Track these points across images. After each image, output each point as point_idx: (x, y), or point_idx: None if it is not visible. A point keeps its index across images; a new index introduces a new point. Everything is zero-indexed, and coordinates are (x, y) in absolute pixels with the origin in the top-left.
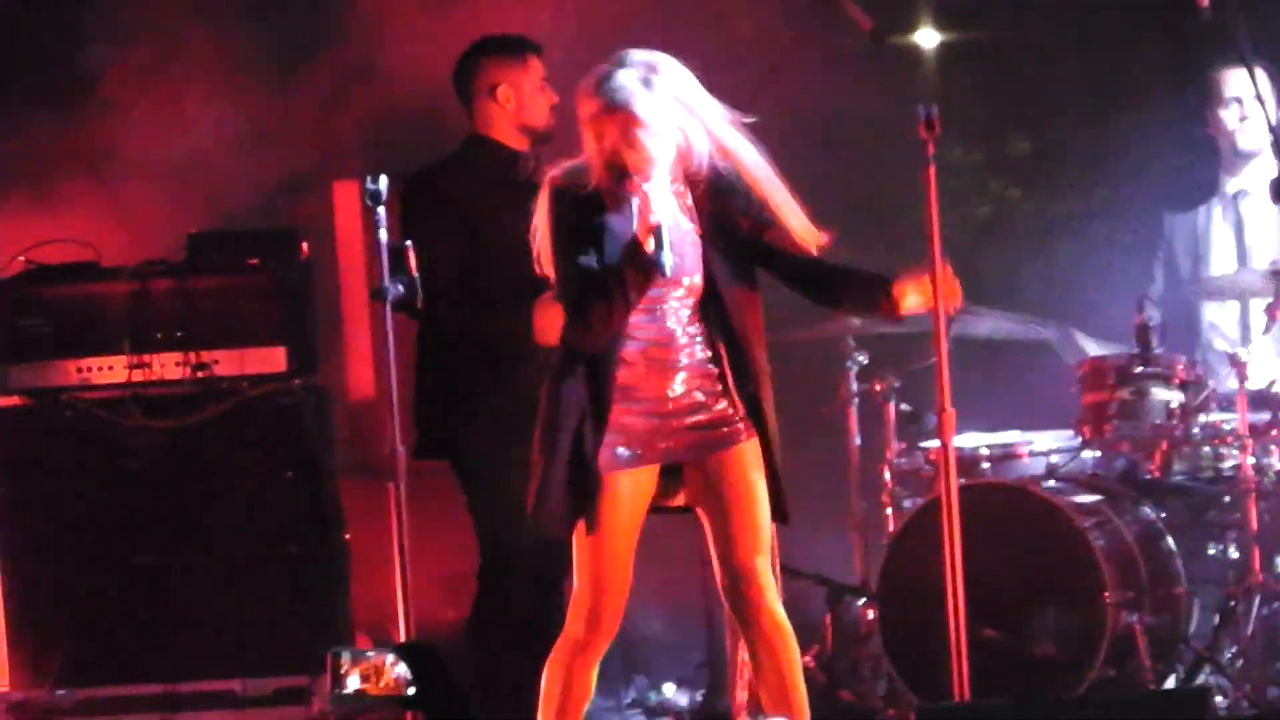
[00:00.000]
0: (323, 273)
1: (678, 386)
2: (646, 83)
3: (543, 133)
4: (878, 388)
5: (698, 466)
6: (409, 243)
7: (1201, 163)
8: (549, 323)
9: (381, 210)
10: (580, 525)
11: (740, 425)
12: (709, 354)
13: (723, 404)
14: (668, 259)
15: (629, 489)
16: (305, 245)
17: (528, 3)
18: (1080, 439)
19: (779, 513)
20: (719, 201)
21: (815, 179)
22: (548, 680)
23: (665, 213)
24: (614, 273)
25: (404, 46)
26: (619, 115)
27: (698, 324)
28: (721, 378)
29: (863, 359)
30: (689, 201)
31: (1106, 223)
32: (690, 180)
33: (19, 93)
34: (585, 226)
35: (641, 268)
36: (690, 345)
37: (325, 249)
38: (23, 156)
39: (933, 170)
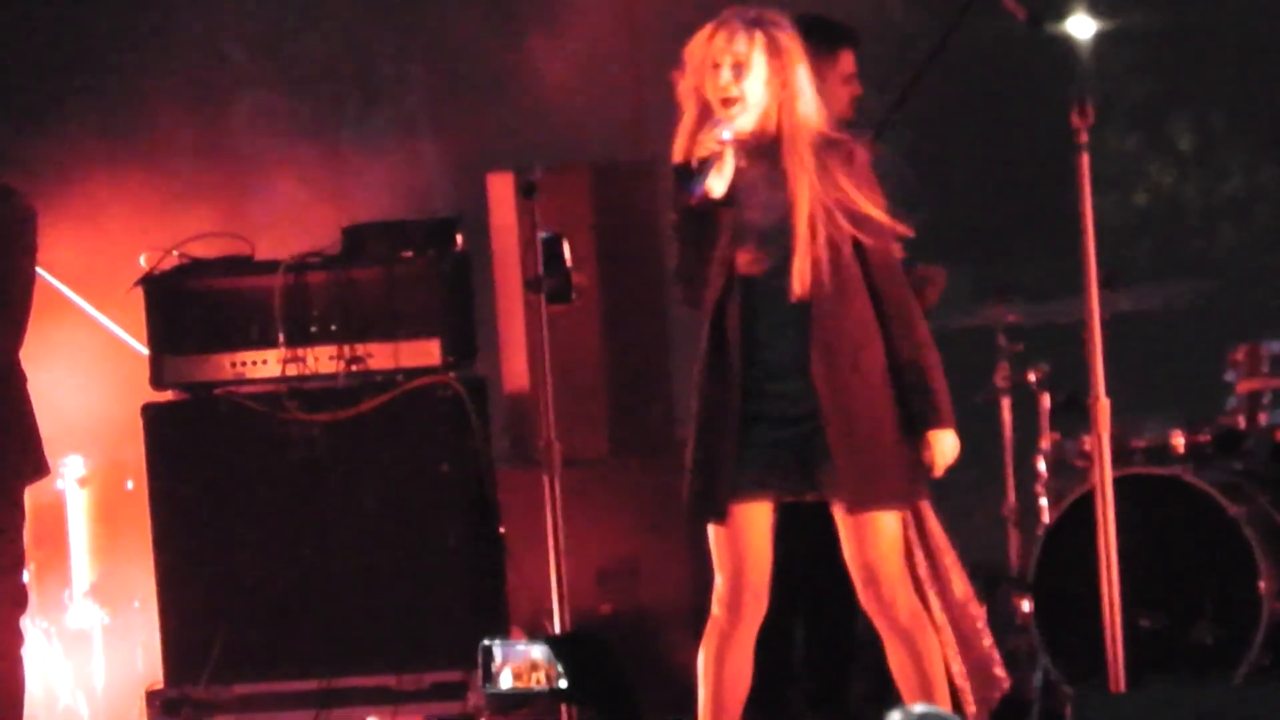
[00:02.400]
0: (478, 264)
1: (791, 376)
2: (765, 41)
3: (844, 125)
4: (1031, 377)
5: (823, 460)
6: (562, 235)
7: None
8: None
9: (535, 201)
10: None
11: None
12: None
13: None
14: (702, 181)
15: (755, 480)
16: (460, 236)
17: None
18: (1235, 427)
19: (893, 498)
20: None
21: (974, 162)
22: (701, 668)
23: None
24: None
25: (556, 40)
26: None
27: (795, 309)
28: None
29: (1017, 347)
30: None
31: (1272, 204)
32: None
33: (167, 90)
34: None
35: (682, 182)
36: (793, 331)
37: (479, 240)
38: (176, 150)
39: (1085, 157)
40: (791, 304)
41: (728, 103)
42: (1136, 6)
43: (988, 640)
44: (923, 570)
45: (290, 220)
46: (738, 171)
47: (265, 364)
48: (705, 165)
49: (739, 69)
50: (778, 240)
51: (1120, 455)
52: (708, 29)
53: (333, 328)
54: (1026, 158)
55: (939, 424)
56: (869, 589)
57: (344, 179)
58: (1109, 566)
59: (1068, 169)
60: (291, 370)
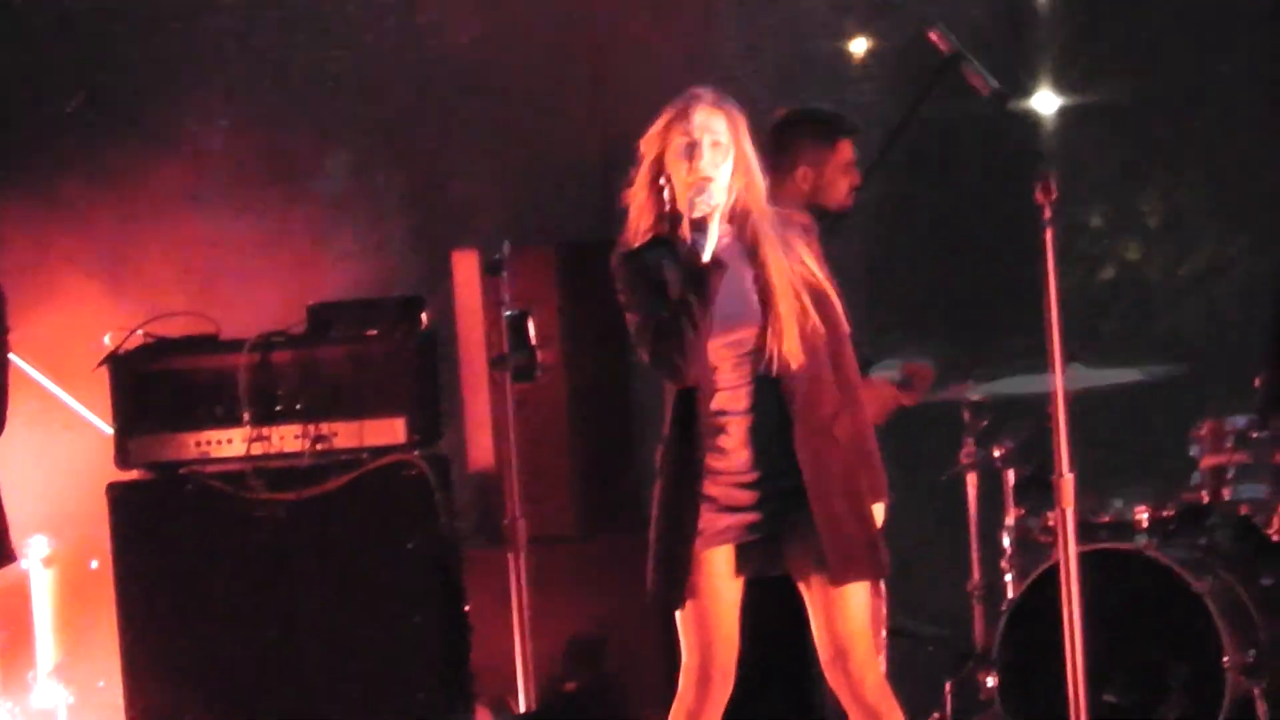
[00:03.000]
0: (442, 341)
1: (760, 453)
2: (731, 121)
3: (840, 213)
4: (996, 453)
5: (792, 537)
6: (528, 312)
7: None
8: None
9: (503, 279)
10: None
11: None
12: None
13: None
14: (707, 242)
15: (724, 560)
16: (425, 315)
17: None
18: (1199, 502)
19: (873, 568)
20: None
21: (939, 240)
22: None
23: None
24: (684, 281)
25: (522, 118)
26: (698, 143)
27: (767, 385)
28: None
29: (981, 424)
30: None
31: (1235, 282)
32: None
33: (134, 164)
34: (651, 275)
35: (686, 259)
36: (763, 407)
37: (445, 318)
38: (141, 227)
39: (1050, 233)
40: (765, 378)
41: (704, 181)
42: (1101, 82)
43: None
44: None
45: (255, 299)
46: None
47: (230, 443)
48: (701, 225)
49: (716, 148)
50: (747, 315)
51: (1085, 531)
52: (679, 107)
53: (298, 406)
54: (993, 234)
55: (882, 498)
56: (838, 663)
57: (310, 257)
58: (1074, 642)
59: (1034, 245)
60: (256, 449)
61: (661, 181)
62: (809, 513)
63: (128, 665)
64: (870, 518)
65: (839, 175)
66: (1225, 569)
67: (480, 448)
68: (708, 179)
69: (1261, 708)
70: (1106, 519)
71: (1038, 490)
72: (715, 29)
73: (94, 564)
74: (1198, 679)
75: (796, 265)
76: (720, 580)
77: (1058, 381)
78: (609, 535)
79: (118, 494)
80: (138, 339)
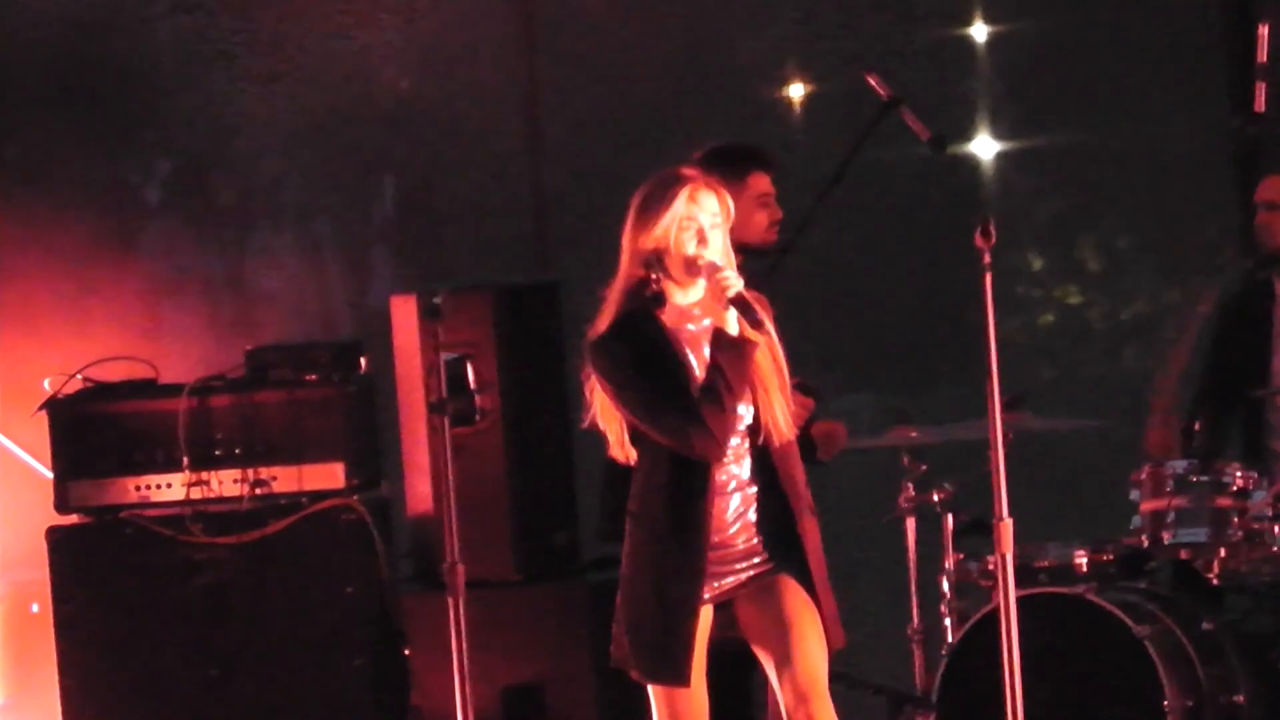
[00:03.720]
0: (381, 387)
1: (728, 517)
2: (722, 200)
3: (762, 249)
4: (936, 498)
5: (749, 597)
6: (466, 357)
7: (1261, 265)
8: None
9: (440, 324)
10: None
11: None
12: (750, 481)
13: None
14: (732, 318)
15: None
16: (364, 359)
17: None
18: (1139, 547)
19: (840, 639)
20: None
21: (878, 284)
22: None
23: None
24: (713, 370)
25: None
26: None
27: (744, 453)
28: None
29: (921, 468)
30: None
31: (1174, 328)
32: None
33: (72, 207)
34: (658, 351)
35: (733, 347)
36: (737, 472)
37: (384, 363)
38: (80, 272)
39: (989, 278)
40: (757, 451)
41: (713, 267)
42: (1041, 128)
43: None
44: None
45: (193, 344)
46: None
47: (169, 487)
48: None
49: (715, 231)
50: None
51: (1024, 575)
52: (676, 190)
53: (237, 451)
54: (932, 279)
55: None
56: (801, 708)
57: (248, 302)
58: (1013, 686)
59: (973, 290)
60: (196, 493)
61: (653, 274)
62: (761, 576)
63: (68, 707)
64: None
65: (754, 209)
66: (1165, 613)
67: (419, 492)
68: (717, 266)
69: None
70: (1046, 563)
71: (977, 535)
72: (652, 75)
73: (34, 607)
74: None
75: (768, 340)
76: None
77: (996, 426)
78: (549, 580)
79: (57, 538)
80: (77, 384)
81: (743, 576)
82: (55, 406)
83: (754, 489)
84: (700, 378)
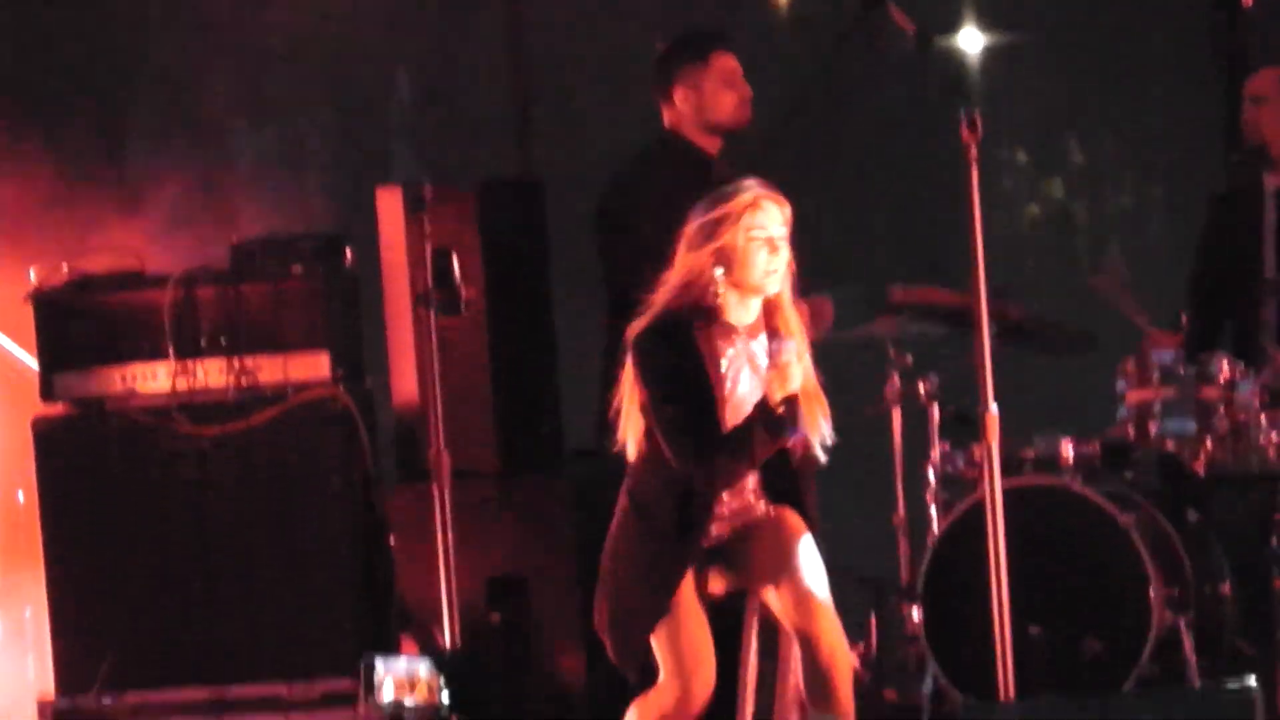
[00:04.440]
0: (367, 277)
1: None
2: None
3: (735, 128)
4: (922, 389)
5: (742, 539)
6: (451, 249)
7: (1248, 160)
8: None
9: (425, 217)
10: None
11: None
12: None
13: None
14: (795, 422)
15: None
16: (349, 251)
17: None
18: (1125, 438)
19: None
20: None
21: (863, 181)
22: None
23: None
24: (744, 431)
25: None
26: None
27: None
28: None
29: (906, 360)
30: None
31: (1159, 221)
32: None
33: (60, 102)
34: (694, 366)
35: (774, 430)
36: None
37: (369, 256)
38: (66, 165)
39: (975, 171)
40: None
41: (771, 275)
42: (1026, 21)
43: None
44: None
45: (180, 235)
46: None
47: (155, 378)
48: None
49: (784, 243)
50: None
51: (1010, 466)
52: (752, 198)
53: (222, 342)
54: (917, 173)
55: None
56: (799, 590)
57: (234, 195)
58: (998, 576)
59: (958, 184)
60: (181, 384)
61: (718, 273)
62: (756, 526)
63: (54, 596)
64: None
65: (719, 89)
66: (1151, 504)
67: (404, 384)
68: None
69: (1187, 641)
70: (1032, 454)
71: (963, 425)
72: None
73: (20, 496)
74: (1123, 614)
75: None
76: (687, 589)
77: (982, 318)
78: (532, 470)
79: (43, 428)
80: (63, 274)
81: (737, 524)
82: (41, 298)
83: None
84: (729, 395)
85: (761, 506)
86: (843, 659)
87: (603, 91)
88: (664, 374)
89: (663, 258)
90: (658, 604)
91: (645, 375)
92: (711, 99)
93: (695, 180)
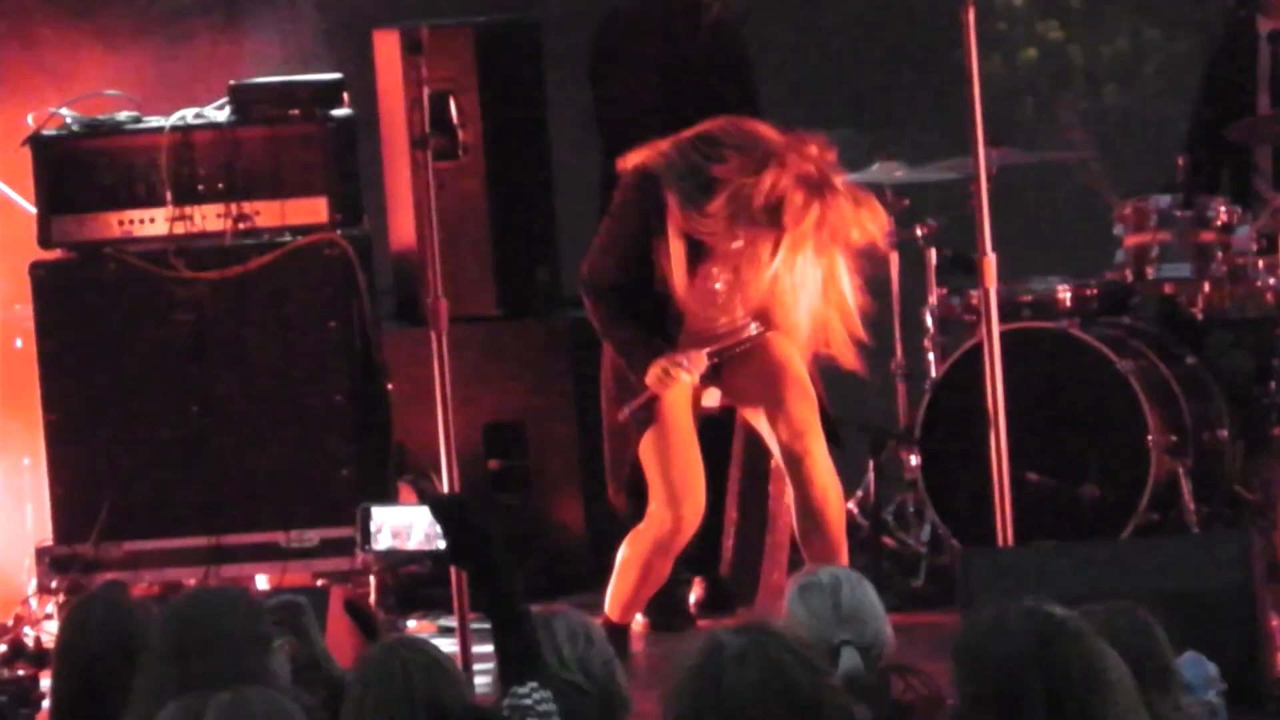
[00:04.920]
0: (364, 120)
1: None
2: None
3: None
4: (919, 232)
5: (736, 361)
6: (449, 92)
7: (1243, 4)
8: None
9: (421, 60)
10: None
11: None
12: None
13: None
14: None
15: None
16: (347, 95)
17: None
18: (1122, 282)
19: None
20: None
21: (856, 22)
22: (625, 564)
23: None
24: (633, 347)
25: None
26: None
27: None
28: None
29: (903, 204)
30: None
31: (1155, 66)
32: None
33: None
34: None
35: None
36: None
37: (366, 100)
38: (60, 8)
39: (971, 12)
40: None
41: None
42: None
43: None
44: None
45: (176, 79)
46: None
47: (152, 223)
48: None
49: None
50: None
51: (1007, 310)
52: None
53: (220, 186)
54: (912, 14)
55: None
56: (798, 443)
57: (232, 39)
58: (996, 422)
59: (953, 28)
60: (179, 229)
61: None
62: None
63: (51, 444)
64: None
65: None
66: (1149, 348)
67: (401, 228)
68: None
69: (1185, 486)
70: (1029, 298)
71: (960, 270)
72: None
73: (19, 343)
74: (1121, 460)
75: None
76: (679, 410)
77: (980, 161)
78: (530, 315)
79: (40, 273)
80: (60, 119)
81: (727, 342)
82: (39, 142)
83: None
84: (689, 272)
85: (752, 329)
86: (835, 496)
87: None
88: (617, 212)
89: (650, 102)
90: (636, 416)
91: (610, 205)
92: None
93: (686, 23)
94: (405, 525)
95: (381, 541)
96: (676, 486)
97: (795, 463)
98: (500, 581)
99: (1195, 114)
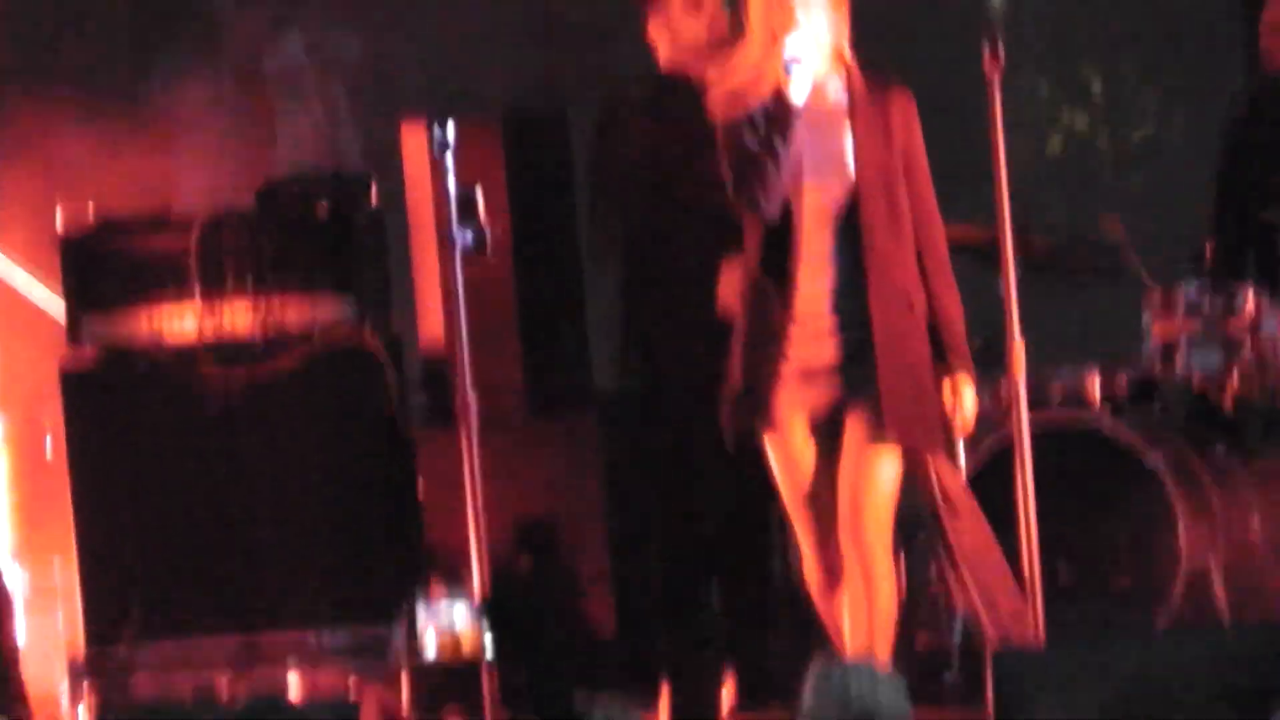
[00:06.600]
0: (392, 216)
1: (837, 301)
2: None
3: (705, 51)
4: None
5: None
6: (477, 186)
7: (1267, 87)
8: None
9: (449, 156)
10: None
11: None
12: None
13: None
14: (800, 81)
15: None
16: (374, 190)
17: None
18: (1152, 371)
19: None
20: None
21: None
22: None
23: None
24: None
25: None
26: None
27: (850, 243)
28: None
29: None
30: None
31: (1183, 151)
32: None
33: (88, 39)
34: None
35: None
36: (845, 263)
37: (393, 191)
38: (92, 105)
39: (998, 101)
40: (849, 237)
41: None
42: None
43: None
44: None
45: (205, 176)
46: None
47: (182, 320)
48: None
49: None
50: (835, 171)
51: (1036, 401)
52: None
53: (249, 283)
54: (939, 103)
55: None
56: (853, 518)
57: (260, 135)
58: (1026, 515)
59: (981, 114)
60: (208, 326)
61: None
62: (870, 368)
63: (82, 544)
64: (930, 391)
65: (684, 14)
66: (1179, 440)
67: (430, 326)
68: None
69: (1216, 578)
70: (1059, 388)
71: (989, 360)
72: None
73: (49, 441)
74: (1152, 554)
75: (886, 141)
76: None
77: (1006, 249)
78: (559, 414)
79: (69, 371)
80: (89, 217)
81: (823, 394)
82: (68, 240)
83: (852, 275)
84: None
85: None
86: (885, 605)
87: (632, 21)
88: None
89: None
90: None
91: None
92: (679, 25)
93: (683, 112)
94: (449, 627)
95: (429, 644)
96: (807, 515)
97: (847, 544)
98: (546, 679)
99: (1219, 196)
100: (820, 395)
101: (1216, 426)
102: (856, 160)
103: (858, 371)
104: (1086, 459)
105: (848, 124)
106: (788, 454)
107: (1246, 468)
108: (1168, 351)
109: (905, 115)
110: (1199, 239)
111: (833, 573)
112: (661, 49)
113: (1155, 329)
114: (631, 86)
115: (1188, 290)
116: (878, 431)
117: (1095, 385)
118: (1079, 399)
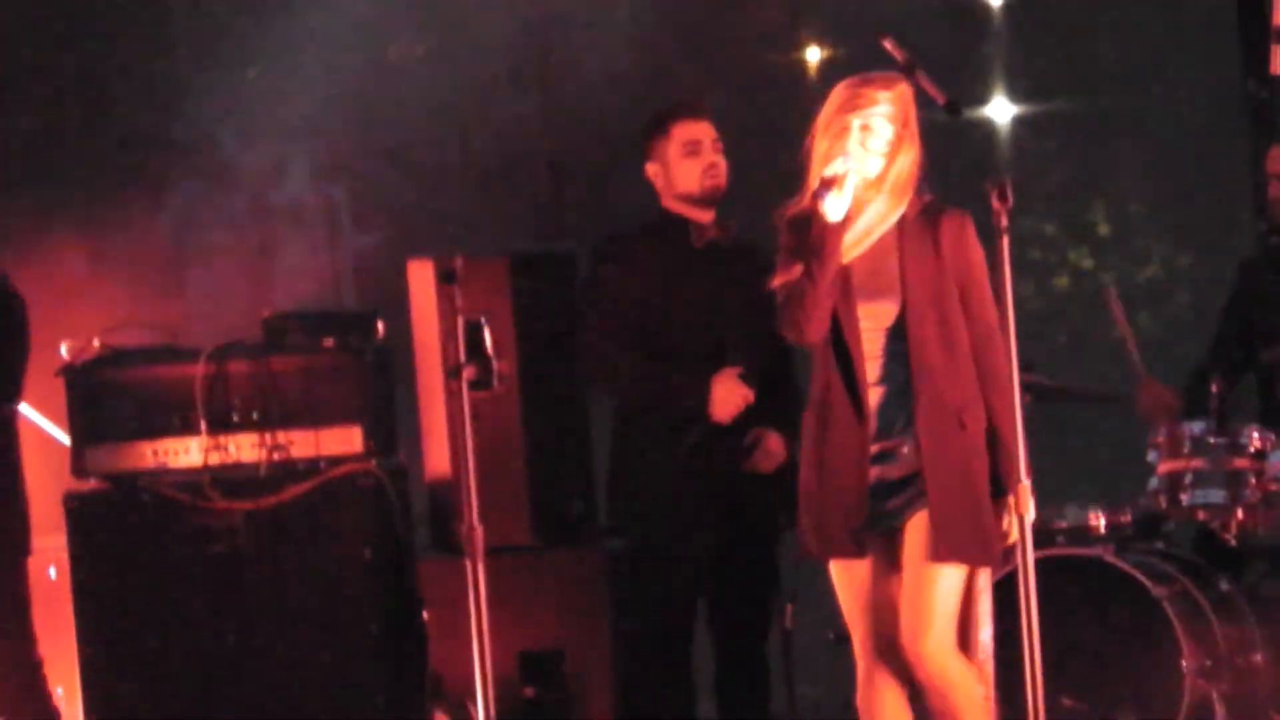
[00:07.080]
0: (399, 350)
1: (884, 426)
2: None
3: (704, 197)
4: None
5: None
6: (483, 321)
7: (1275, 233)
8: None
9: (457, 289)
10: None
11: (916, 488)
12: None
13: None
14: (835, 202)
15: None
16: (381, 325)
17: None
18: (1156, 509)
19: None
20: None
21: None
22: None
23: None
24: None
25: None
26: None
27: (900, 362)
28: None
29: None
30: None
31: (1190, 291)
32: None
33: (90, 174)
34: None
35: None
36: (894, 383)
37: (401, 326)
38: (98, 238)
39: (1006, 241)
40: (899, 356)
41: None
42: (1055, 92)
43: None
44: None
45: (211, 309)
46: None
47: (187, 453)
48: (830, 185)
49: (867, 131)
50: (886, 291)
51: (1042, 537)
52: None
53: (254, 416)
54: None
55: (1013, 485)
56: (913, 643)
57: (266, 268)
58: (1031, 646)
59: (988, 253)
60: (213, 459)
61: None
62: (917, 491)
63: (86, 674)
64: (984, 506)
65: (680, 159)
66: (1183, 574)
67: (437, 457)
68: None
69: (1220, 711)
70: (1064, 525)
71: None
72: (668, 40)
73: (52, 573)
74: (1156, 685)
75: (936, 260)
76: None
77: (1014, 388)
78: (565, 545)
79: (75, 503)
80: (94, 349)
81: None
82: (72, 371)
83: (901, 395)
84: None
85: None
86: (965, 705)
87: (636, 160)
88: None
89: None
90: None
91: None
92: (676, 169)
93: (675, 252)
94: None
95: None
96: (866, 636)
97: (914, 665)
98: None
99: (1222, 336)
100: (879, 508)
101: (1221, 561)
102: (904, 279)
103: (913, 487)
104: (1091, 592)
105: (898, 245)
106: (848, 565)
107: (1249, 601)
108: (1173, 488)
109: (957, 234)
110: (1204, 378)
111: (880, 686)
112: (660, 189)
113: (1160, 466)
114: (634, 220)
115: (1192, 429)
116: (932, 548)
117: (1099, 520)
118: (1084, 534)
